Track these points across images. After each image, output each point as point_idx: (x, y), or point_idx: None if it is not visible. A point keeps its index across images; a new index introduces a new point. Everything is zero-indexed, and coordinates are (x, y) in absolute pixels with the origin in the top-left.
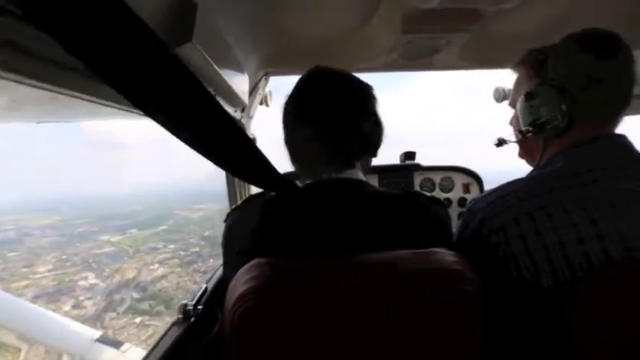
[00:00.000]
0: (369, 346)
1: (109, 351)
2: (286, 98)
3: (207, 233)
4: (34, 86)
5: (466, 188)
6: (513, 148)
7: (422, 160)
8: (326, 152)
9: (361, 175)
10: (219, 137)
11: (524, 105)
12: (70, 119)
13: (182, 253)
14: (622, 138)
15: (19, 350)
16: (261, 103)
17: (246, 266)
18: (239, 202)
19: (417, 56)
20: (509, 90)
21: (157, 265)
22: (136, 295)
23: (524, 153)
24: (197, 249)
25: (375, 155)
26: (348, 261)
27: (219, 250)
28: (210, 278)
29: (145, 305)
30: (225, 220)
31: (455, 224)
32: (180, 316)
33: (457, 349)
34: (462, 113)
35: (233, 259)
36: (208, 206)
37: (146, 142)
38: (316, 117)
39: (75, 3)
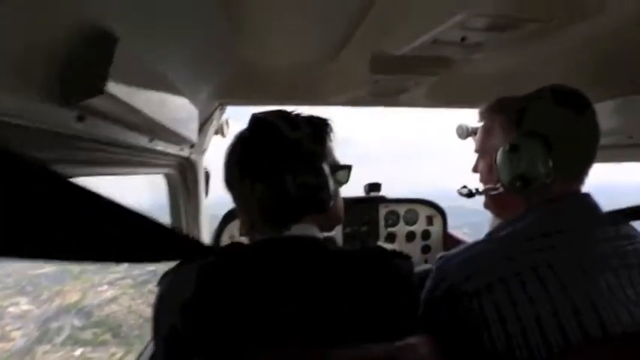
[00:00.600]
0: None
1: None
2: (230, 145)
3: None
4: None
5: (429, 221)
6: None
7: (387, 181)
8: (271, 206)
9: (314, 230)
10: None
11: (506, 157)
12: None
13: (136, 272)
14: (588, 197)
15: None
16: (216, 133)
17: None
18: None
19: (385, 94)
20: (472, 128)
21: (105, 287)
22: (77, 323)
23: (496, 206)
24: (154, 267)
25: (324, 210)
26: None
27: None
28: (142, 354)
29: (87, 334)
30: (158, 284)
31: (418, 258)
32: None
33: None
34: (426, 129)
35: (163, 340)
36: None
37: None
38: (259, 171)
39: None
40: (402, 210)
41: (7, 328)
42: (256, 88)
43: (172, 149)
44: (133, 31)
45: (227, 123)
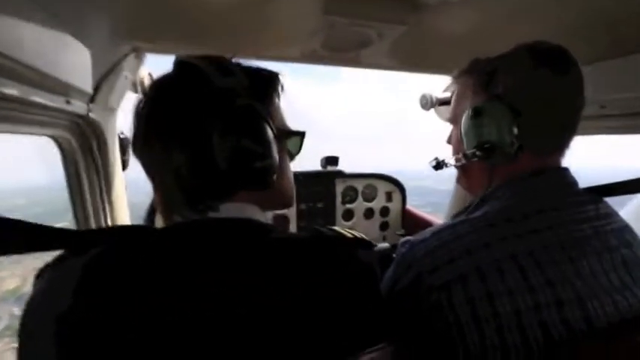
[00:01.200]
0: None
1: None
2: (141, 96)
3: None
4: None
5: (389, 197)
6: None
7: (348, 159)
8: (193, 179)
9: (252, 210)
10: None
11: (470, 123)
12: None
13: None
14: (566, 171)
15: None
16: (135, 91)
17: None
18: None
19: (342, 47)
20: (437, 98)
21: None
22: (17, 312)
23: (465, 179)
24: None
25: (265, 185)
26: None
27: None
28: None
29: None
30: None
31: (376, 236)
32: None
33: None
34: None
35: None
36: None
37: None
38: (176, 131)
39: None
40: (360, 185)
41: None
42: (182, 33)
43: (55, 101)
44: None
45: (151, 77)
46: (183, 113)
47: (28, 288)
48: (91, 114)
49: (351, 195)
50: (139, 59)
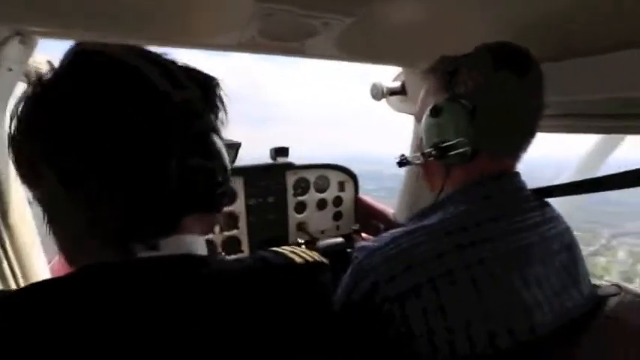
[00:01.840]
0: None
1: None
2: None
3: None
4: None
5: (341, 186)
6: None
7: (299, 143)
8: (124, 212)
9: (195, 242)
10: None
11: (428, 122)
12: None
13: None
14: (517, 177)
15: None
16: (29, 82)
17: None
18: None
19: (284, 37)
20: (388, 88)
21: None
22: None
23: (425, 176)
24: None
25: (212, 210)
26: None
27: None
28: None
29: None
30: None
31: (329, 226)
32: None
33: None
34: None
35: None
36: None
37: None
38: (81, 148)
39: None
40: (312, 176)
41: None
42: (81, 10)
43: None
44: None
45: (51, 66)
46: (123, 130)
47: None
48: None
49: (302, 187)
50: (28, 44)
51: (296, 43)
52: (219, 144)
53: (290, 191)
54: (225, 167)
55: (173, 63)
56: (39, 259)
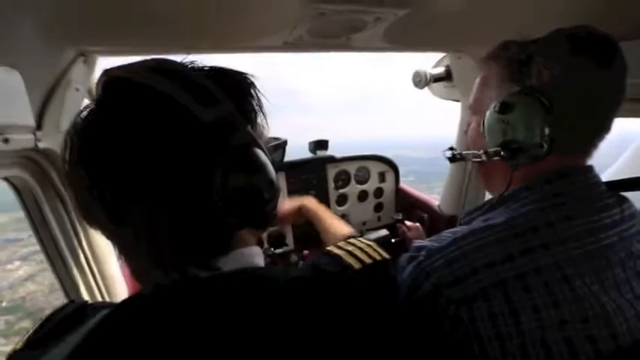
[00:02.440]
0: None
1: None
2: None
3: None
4: None
5: (382, 177)
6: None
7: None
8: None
9: (254, 254)
10: None
11: (496, 119)
12: None
13: None
14: (591, 171)
15: None
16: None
17: None
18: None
19: (332, 34)
20: (432, 75)
21: (18, 263)
22: None
23: (483, 177)
24: None
25: (260, 227)
26: None
27: None
28: None
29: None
30: None
31: (370, 217)
32: None
33: None
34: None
35: None
36: None
37: None
38: (123, 183)
39: None
40: (352, 169)
41: None
42: (138, 28)
43: None
44: None
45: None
46: (159, 160)
47: None
48: (40, 144)
49: (343, 179)
50: (90, 64)
51: (343, 38)
52: (261, 156)
53: (331, 184)
54: (270, 181)
55: (202, 74)
56: (113, 260)
